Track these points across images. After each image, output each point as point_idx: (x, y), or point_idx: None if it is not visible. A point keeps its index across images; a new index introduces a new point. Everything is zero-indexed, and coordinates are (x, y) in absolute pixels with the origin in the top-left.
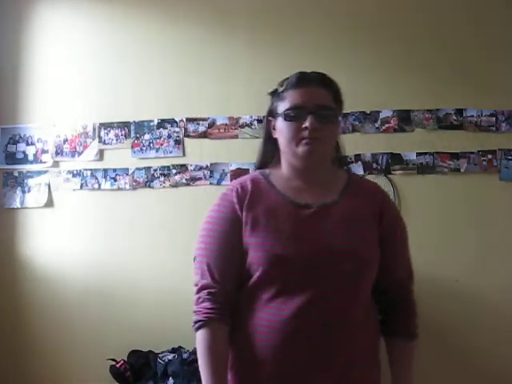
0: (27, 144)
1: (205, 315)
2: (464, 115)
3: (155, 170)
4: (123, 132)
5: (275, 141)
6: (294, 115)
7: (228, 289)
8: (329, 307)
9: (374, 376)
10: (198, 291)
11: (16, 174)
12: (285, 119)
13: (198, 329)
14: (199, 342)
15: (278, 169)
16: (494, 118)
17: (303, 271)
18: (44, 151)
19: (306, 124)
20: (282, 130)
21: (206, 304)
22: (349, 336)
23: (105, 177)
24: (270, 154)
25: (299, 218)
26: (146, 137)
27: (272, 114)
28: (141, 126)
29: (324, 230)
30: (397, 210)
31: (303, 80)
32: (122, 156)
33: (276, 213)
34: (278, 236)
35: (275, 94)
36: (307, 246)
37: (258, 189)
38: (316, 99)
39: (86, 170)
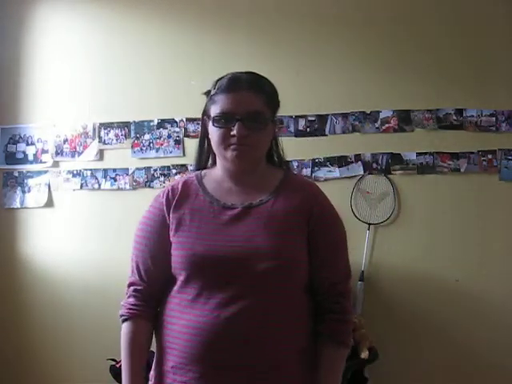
0: (27, 144)
1: (128, 311)
2: (464, 115)
3: (155, 170)
4: (123, 132)
5: (210, 141)
6: (223, 121)
7: (154, 288)
8: (247, 308)
9: (300, 379)
10: (127, 287)
11: (16, 173)
12: (213, 125)
13: (122, 322)
14: (122, 334)
15: (215, 169)
16: (493, 118)
17: (222, 270)
18: (44, 151)
19: (234, 132)
20: (212, 133)
21: (131, 300)
22: (268, 337)
23: (105, 177)
24: (206, 153)
25: (222, 218)
26: (146, 137)
27: (206, 114)
28: (141, 126)
29: (244, 231)
30: (331, 209)
31: (234, 84)
32: (121, 156)
33: (200, 213)
34: (198, 236)
35: (208, 95)
36: (225, 245)
37: (188, 190)
38: (245, 105)
39: (86, 169)
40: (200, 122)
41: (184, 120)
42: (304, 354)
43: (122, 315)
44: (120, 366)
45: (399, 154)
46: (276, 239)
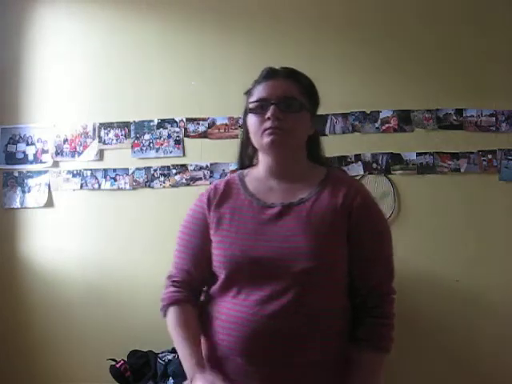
0: (27, 144)
1: (172, 295)
2: (464, 115)
3: (155, 170)
4: (123, 132)
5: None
6: (258, 107)
7: (194, 283)
8: (285, 307)
9: (334, 377)
10: (167, 279)
11: (16, 174)
12: (250, 112)
13: (166, 309)
14: (170, 320)
15: (257, 168)
16: (493, 118)
17: (260, 270)
18: (44, 151)
19: (268, 114)
20: (250, 124)
21: (171, 288)
22: (303, 337)
23: (105, 177)
24: (250, 153)
25: (261, 218)
26: (146, 137)
27: (245, 111)
28: (141, 126)
29: (283, 230)
30: (375, 209)
31: (270, 74)
32: (122, 156)
33: (241, 212)
34: (238, 236)
35: (248, 94)
36: (263, 245)
37: (230, 189)
38: (280, 90)
39: (86, 170)
40: (242, 123)
41: (184, 120)
42: (339, 356)
43: (165, 304)
44: (120, 365)
45: (399, 154)
46: (315, 239)
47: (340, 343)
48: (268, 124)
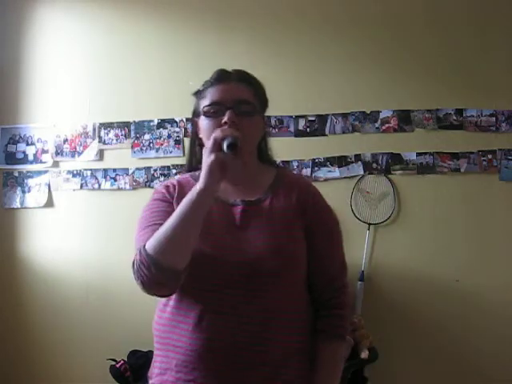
0: (27, 144)
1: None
2: (464, 115)
3: (155, 170)
4: (123, 132)
5: (202, 141)
6: (213, 111)
7: None
8: (253, 309)
9: (306, 376)
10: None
11: (16, 174)
12: (204, 115)
13: (141, 254)
14: (152, 239)
15: None
16: (493, 118)
17: (229, 270)
18: (44, 151)
19: (225, 119)
20: (202, 127)
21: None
22: (273, 336)
23: (105, 177)
24: (199, 155)
25: (226, 217)
26: (146, 137)
27: (196, 114)
28: (141, 126)
29: (247, 230)
30: (326, 205)
31: (222, 76)
32: (122, 156)
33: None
34: (204, 235)
35: (198, 94)
36: (230, 246)
37: (186, 187)
38: (235, 94)
39: (86, 170)
40: (190, 124)
41: (184, 120)
42: (307, 351)
43: (138, 255)
44: (120, 365)
45: (399, 154)
46: (276, 238)
47: (306, 340)
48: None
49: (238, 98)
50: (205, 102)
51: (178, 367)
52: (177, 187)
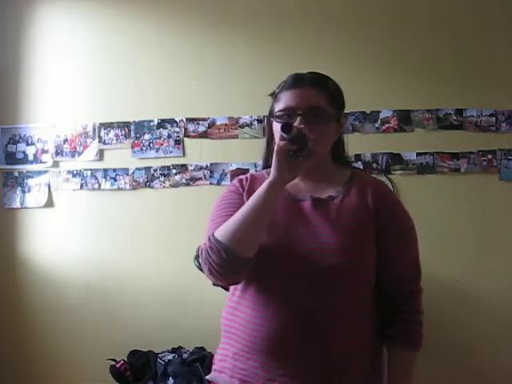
0: (27, 144)
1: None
2: (464, 115)
3: (155, 170)
4: (123, 132)
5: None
6: (285, 117)
7: None
8: (311, 305)
9: (365, 380)
10: (201, 249)
11: (16, 174)
12: (276, 120)
13: (212, 242)
14: (222, 228)
15: None
16: (493, 118)
17: (290, 263)
18: (44, 151)
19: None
20: (275, 130)
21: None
22: (330, 336)
23: (105, 177)
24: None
25: (293, 212)
26: (146, 137)
27: (271, 115)
28: (141, 126)
29: (313, 225)
30: (401, 209)
31: (297, 81)
32: (122, 156)
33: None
34: (270, 228)
35: (274, 96)
36: (294, 239)
37: (259, 180)
38: (307, 100)
39: (86, 170)
40: (266, 123)
41: (184, 120)
42: (367, 354)
43: (208, 240)
44: (120, 365)
45: (399, 154)
46: (344, 236)
47: (367, 344)
48: None
49: (310, 104)
50: (278, 106)
51: (236, 355)
52: (249, 180)
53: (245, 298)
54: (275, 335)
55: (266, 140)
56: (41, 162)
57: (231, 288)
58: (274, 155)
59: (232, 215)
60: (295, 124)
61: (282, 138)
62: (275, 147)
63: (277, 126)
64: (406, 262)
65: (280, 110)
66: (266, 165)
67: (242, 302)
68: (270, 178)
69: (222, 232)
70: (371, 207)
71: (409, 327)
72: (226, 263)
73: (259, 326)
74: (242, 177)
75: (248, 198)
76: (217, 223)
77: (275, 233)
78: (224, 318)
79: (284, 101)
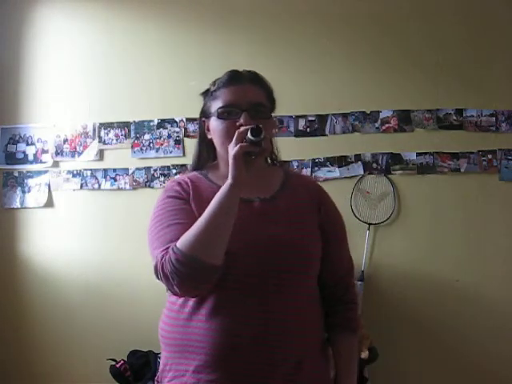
0: (27, 144)
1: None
2: (464, 115)
3: (155, 170)
4: (123, 132)
5: (210, 141)
6: (228, 113)
7: None
8: (275, 301)
9: (324, 373)
10: (159, 260)
11: (16, 174)
12: (218, 117)
13: (172, 252)
14: (184, 237)
15: (216, 169)
16: (493, 118)
17: (250, 264)
18: (44, 151)
19: (241, 121)
20: (215, 129)
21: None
22: (293, 335)
23: (105, 177)
24: (205, 154)
25: (244, 212)
26: (146, 137)
27: (205, 114)
28: (141, 126)
29: (269, 224)
30: (334, 204)
31: (235, 78)
32: (122, 156)
33: None
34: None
35: (207, 94)
36: (254, 239)
37: (199, 185)
38: (249, 96)
39: (86, 170)
40: (198, 123)
41: (184, 120)
42: (324, 346)
43: (170, 252)
44: (120, 365)
45: (399, 154)
46: (300, 233)
47: (322, 335)
48: None
49: (252, 100)
50: (218, 104)
51: (200, 368)
52: (190, 185)
53: (203, 307)
54: (237, 343)
55: (197, 140)
56: (41, 162)
57: (177, 299)
58: (233, 157)
59: (185, 223)
60: (241, 120)
61: (241, 140)
62: (234, 149)
63: (222, 125)
64: (344, 255)
65: (221, 107)
66: (196, 166)
67: (198, 311)
68: (230, 180)
69: (188, 242)
70: (313, 204)
71: (352, 315)
72: (197, 274)
73: (221, 333)
74: (179, 180)
75: (196, 205)
76: (169, 232)
77: (238, 237)
78: (171, 332)
79: (224, 98)
